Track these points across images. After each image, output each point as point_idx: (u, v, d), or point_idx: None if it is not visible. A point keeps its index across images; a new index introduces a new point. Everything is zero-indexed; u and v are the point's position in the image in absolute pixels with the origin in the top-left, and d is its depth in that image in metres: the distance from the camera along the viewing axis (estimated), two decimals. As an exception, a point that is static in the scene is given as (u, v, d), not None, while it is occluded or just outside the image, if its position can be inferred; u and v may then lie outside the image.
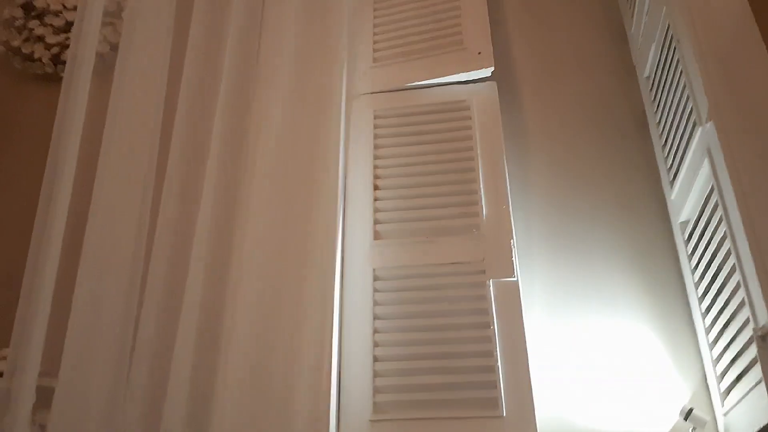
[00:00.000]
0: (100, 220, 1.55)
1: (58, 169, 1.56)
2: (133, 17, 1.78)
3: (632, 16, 1.78)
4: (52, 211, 1.50)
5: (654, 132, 1.65)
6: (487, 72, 1.76)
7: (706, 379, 1.39)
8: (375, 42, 1.90)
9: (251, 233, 1.51)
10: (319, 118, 1.69)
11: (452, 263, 1.53)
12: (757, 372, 1.10)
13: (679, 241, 1.50)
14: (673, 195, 1.51)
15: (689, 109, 1.34)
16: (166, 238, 1.54)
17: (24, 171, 1.87)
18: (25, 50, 2.00)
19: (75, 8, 2.00)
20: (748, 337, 1.14)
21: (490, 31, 1.80)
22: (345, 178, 1.66)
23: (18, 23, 2.02)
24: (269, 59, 1.78)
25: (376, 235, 1.59)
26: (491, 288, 1.47)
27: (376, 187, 1.66)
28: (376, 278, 1.53)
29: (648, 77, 1.68)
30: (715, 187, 1.22)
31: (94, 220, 1.54)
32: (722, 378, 1.30)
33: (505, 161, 1.63)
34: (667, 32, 1.48)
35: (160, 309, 1.46)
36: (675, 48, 1.42)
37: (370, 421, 1.37)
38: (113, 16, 2.03)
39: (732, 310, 1.21)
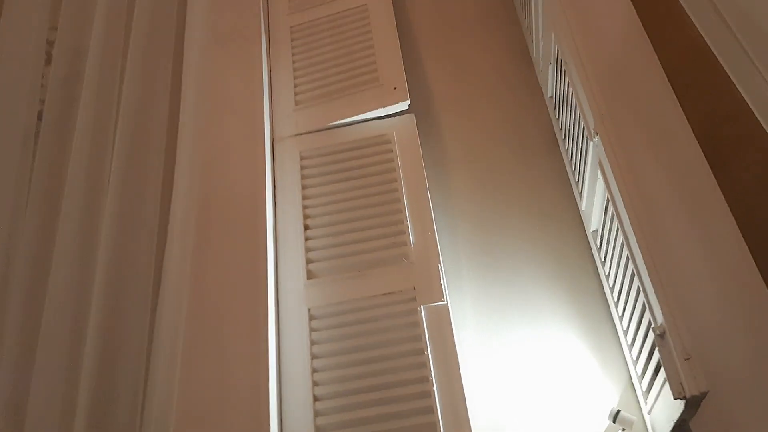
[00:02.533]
0: None
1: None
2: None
3: (533, 41, 1.87)
4: None
5: (562, 148, 1.73)
6: (404, 105, 1.83)
7: (631, 380, 1.45)
8: (296, 86, 1.96)
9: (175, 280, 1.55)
10: (245, 163, 1.74)
11: (384, 294, 1.57)
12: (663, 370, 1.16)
13: (594, 249, 1.57)
14: (583, 206, 1.59)
15: (582, 125, 1.41)
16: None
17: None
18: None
19: None
20: (653, 337, 1.20)
21: (404, 66, 1.88)
22: (275, 219, 1.71)
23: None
24: (191, 108, 1.83)
25: (309, 275, 1.63)
26: (423, 314, 1.52)
27: (306, 227, 1.70)
28: (311, 318, 1.57)
29: (551, 97, 1.77)
30: (609, 197, 1.29)
31: None
32: (642, 377, 1.36)
33: (428, 189, 1.69)
34: (557, 55, 1.56)
35: None
36: (564, 69, 1.51)
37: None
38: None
39: (639, 313, 1.27)
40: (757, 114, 0.95)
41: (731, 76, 1.01)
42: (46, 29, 1.92)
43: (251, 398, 1.40)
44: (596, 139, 1.31)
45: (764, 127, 0.95)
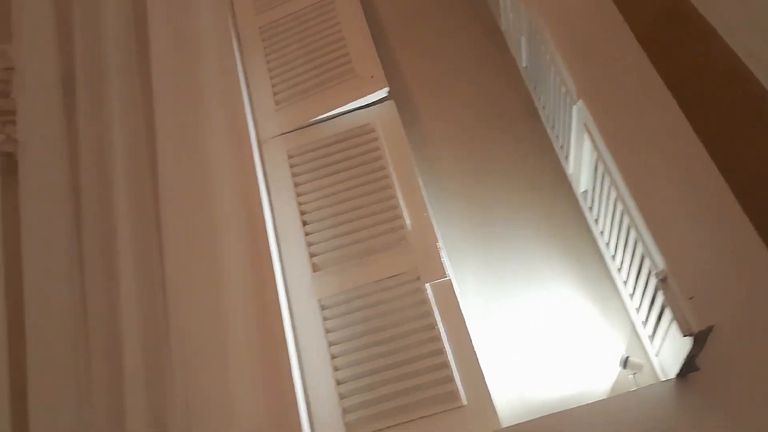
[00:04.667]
0: (36, 310, 1.59)
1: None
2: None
3: (500, 14, 1.93)
4: None
5: (542, 115, 1.80)
6: (383, 93, 1.87)
7: (635, 327, 1.53)
8: (273, 86, 1.99)
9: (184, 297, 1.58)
10: (235, 168, 1.77)
11: (389, 277, 1.62)
12: (669, 311, 1.23)
13: (585, 209, 1.64)
14: (570, 169, 1.65)
15: (563, 92, 1.48)
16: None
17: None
18: None
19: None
20: (654, 283, 1.27)
21: (378, 54, 1.92)
22: (273, 220, 1.75)
23: None
24: (168, 122, 1.84)
25: (314, 268, 1.68)
26: (428, 291, 1.57)
27: (304, 223, 1.74)
28: (322, 308, 1.61)
29: (526, 67, 1.83)
30: (598, 157, 1.36)
31: (31, 311, 1.58)
32: (646, 323, 1.43)
33: (417, 172, 1.74)
34: (530, 25, 1.62)
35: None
36: (539, 39, 1.57)
37: (349, 439, 1.46)
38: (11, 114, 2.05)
39: (638, 263, 1.34)
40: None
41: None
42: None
43: (276, 391, 1.44)
44: (579, 103, 1.37)
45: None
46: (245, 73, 2.02)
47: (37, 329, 1.54)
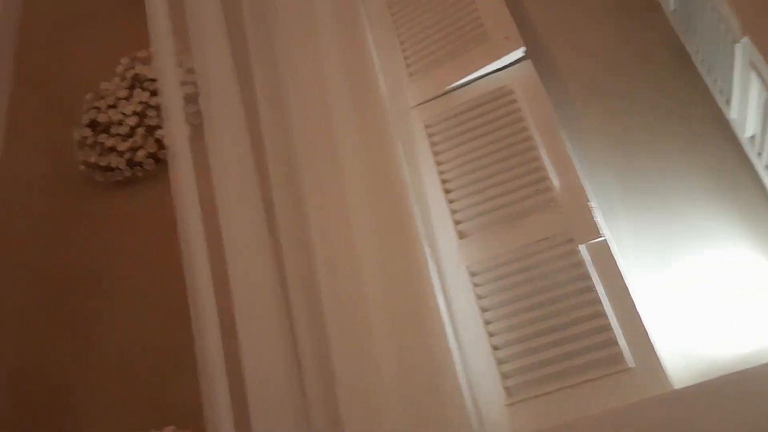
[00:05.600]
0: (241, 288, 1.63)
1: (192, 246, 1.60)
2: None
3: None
4: (199, 288, 1.56)
5: (696, 59, 1.67)
6: (519, 53, 1.82)
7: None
8: (405, 58, 1.99)
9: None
10: (373, 142, 1.78)
11: (539, 240, 1.58)
12: None
13: (752, 155, 1.51)
14: (732, 114, 1.53)
15: (722, 30, 1.36)
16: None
17: (137, 264, 2.04)
18: (102, 163, 2.19)
19: (134, 113, 2.20)
20: None
21: (510, 13, 1.86)
22: (415, 191, 1.75)
23: (89, 141, 2.22)
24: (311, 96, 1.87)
25: (460, 235, 1.67)
26: (583, 253, 1.52)
27: (446, 191, 1.74)
28: (471, 275, 1.61)
29: (674, 10, 1.71)
30: (770, 97, 1.25)
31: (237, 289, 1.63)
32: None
33: (561, 131, 1.68)
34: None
35: None
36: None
37: (506, 405, 1.44)
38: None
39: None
40: None
41: None
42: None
43: (434, 360, 1.45)
44: (744, 40, 1.26)
45: None
46: (376, 47, 2.04)
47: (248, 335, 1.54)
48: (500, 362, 1.48)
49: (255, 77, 1.86)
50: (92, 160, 2.21)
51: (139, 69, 2.24)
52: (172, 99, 1.73)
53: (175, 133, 1.69)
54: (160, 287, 1.84)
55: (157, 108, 2.17)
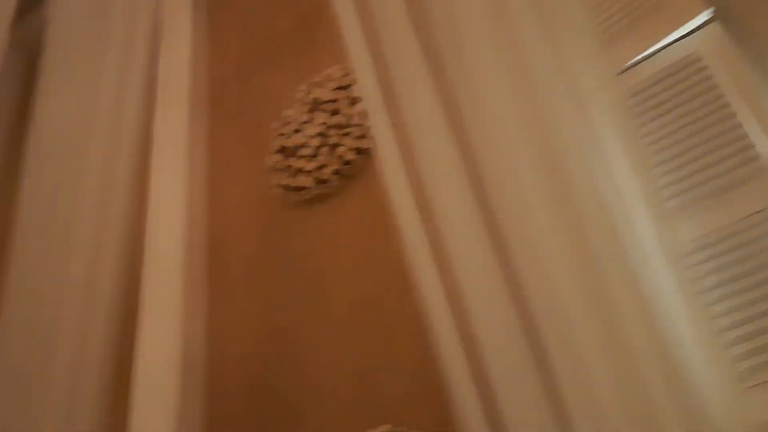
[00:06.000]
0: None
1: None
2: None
3: None
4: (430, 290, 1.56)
5: None
6: (705, 15, 1.71)
7: None
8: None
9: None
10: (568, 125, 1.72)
11: (752, 213, 1.49)
12: None
13: None
14: None
15: None
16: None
17: (342, 272, 2.15)
18: (294, 184, 2.35)
19: (317, 135, 2.34)
20: None
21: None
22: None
23: (280, 165, 2.39)
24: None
25: (664, 216, 1.59)
26: (807, 220, 1.40)
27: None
28: (685, 255, 1.53)
29: None
30: None
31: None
32: None
33: (763, 93, 1.56)
34: None
35: None
36: None
37: (741, 391, 1.37)
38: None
39: None
40: None
41: None
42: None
43: (654, 341, 1.40)
44: None
45: None
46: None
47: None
48: (729, 344, 1.40)
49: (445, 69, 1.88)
50: (285, 182, 2.37)
51: (316, 93, 2.37)
52: (372, 101, 1.82)
53: (381, 134, 1.75)
54: (367, 290, 1.94)
55: (337, 127, 2.29)
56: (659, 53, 1.77)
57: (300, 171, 2.38)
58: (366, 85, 1.91)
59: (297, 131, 2.39)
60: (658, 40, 1.77)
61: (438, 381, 1.45)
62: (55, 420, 1.70)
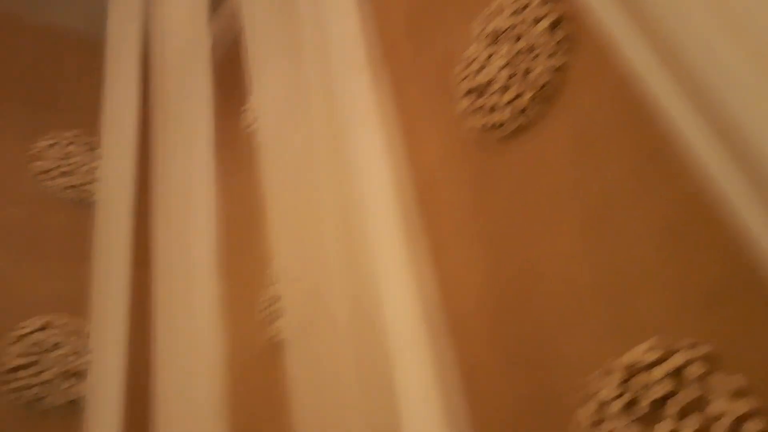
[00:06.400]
0: None
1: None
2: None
3: None
4: None
5: None
6: None
7: None
8: None
9: None
10: None
11: None
12: None
13: None
14: None
15: None
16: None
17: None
18: (492, 122, 2.28)
19: (504, 66, 2.24)
20: None
21: None
22: None
23: (472, 108, 2.33)
24: None
25: None
26: None
27: None
28: None
29: None
30: None
31: None
32: None
33: None
34: None
35: None
36: None
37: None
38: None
39: None
40: None
41: None
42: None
43: None
44: None
45: None
46: None
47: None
48: None
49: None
50: (481, 123, 2.31)
51: (493, 24, 2.28)
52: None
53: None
54: (596, 205, 1.81)
55: (524, 52, 2.18)
56: None
57: (494, 108, 2.30)
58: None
59: (482, 69, 2.31)
60: None
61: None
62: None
